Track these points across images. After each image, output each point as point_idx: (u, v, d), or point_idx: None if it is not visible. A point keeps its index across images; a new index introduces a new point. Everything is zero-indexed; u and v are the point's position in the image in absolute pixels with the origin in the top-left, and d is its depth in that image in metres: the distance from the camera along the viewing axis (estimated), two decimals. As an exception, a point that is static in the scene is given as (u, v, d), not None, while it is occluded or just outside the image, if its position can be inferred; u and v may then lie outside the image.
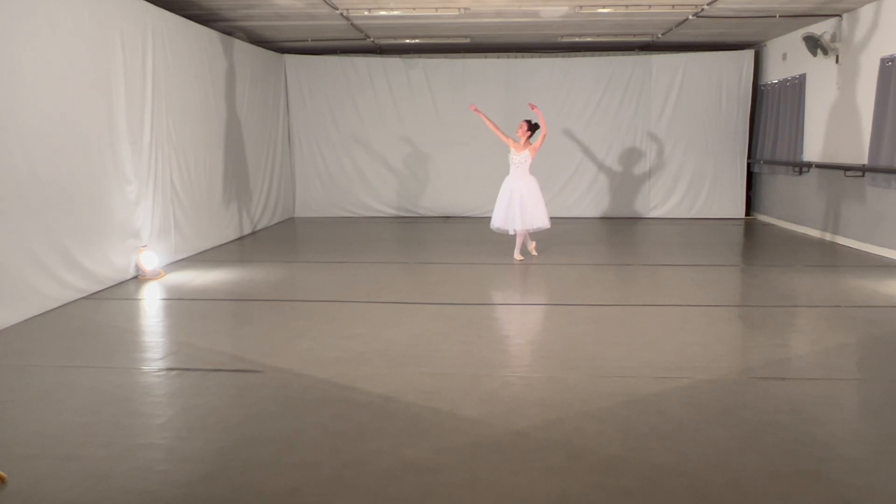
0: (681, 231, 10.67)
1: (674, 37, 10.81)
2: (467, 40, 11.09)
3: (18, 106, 5.50)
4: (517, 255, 8.09)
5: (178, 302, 6.29)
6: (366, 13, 8.92)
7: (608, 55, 12.04)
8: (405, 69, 12.11)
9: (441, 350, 4.75)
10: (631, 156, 12.08)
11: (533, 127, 7.96)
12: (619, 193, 12.17)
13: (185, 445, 3.35)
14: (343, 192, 12.44)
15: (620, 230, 10.84)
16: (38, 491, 2.94)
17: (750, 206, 12.18)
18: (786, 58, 10.81)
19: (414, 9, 8.70)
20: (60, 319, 5.61)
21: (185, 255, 8.33)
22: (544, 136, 7.95)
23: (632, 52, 12.07)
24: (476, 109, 8.33)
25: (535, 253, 8.32)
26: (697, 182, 12.01)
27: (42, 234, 5.76)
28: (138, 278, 7.14)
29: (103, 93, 6.66)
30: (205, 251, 8.81)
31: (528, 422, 3.55)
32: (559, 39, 11.08)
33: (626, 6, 8.60)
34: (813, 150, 9.92)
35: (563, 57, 12.01)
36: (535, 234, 8.51)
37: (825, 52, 9.19)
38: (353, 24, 9.74)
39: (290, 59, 12.12)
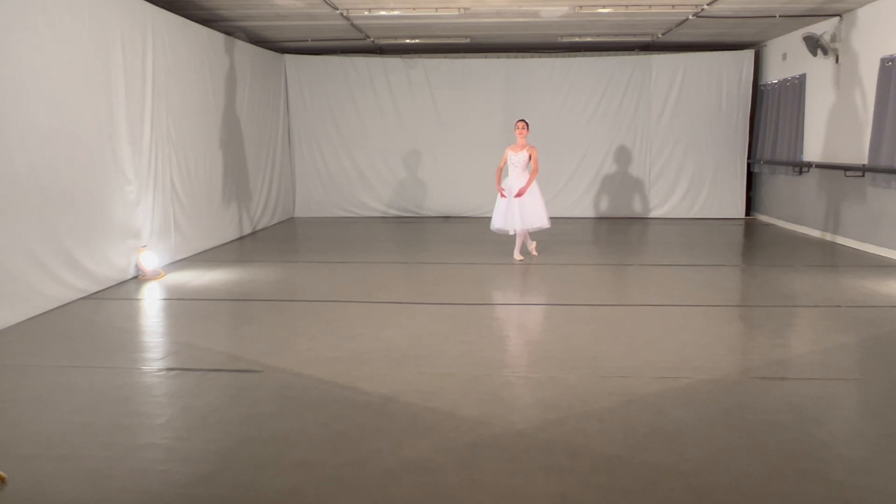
0: (681, 231, 10.67)
1: (674, 37, 10.81)
2: (467, 40, 11.09)
3: (18, 106, 5.50)
4: (517, 255, 8.09)
5: (178, 302, 6.29)
6: (366, 13, 8.92)
7: (608, 55, 12.05)
8: (405, 69, 12.11)
9: (441, 350, 4.75)
10: (631, 156, 12.08)
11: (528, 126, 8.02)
12: (619, 193, 12.17)
13: (185, 445, 3.35)
14: (343, 192, 12.44)
15: (620, 230, 10.84)
16: (38, 491, 2.94)
17: (750, 206, 12.18)
18: (786, 58, 10.81)
19: (414, 9, 8.70)
20: (60, 319, 5.61)
21: (185, 255, 8.33)
22: (535, 170, 7.90)
23: (632, 52, 12.08)
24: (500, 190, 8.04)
25: (535, 253, 8.32)
26: (697, 182, 12.01)
27: (42, 234, 5.76)
28: (138, 278, 7.13)
29: (103, 93, 6.66)
30: (205, 251, 8.81)
31: (528, 422, 3.55)
32: (559, 39, 11.08)
33: (626, 6, 8.60)
34: (813, 150, 9.92)
35: (563, 57, 12.01)
36: (536, 234, 8.51)
37: (825, 52, 9.19)
38: (353, 24, 9.74)
39: (290, 59, 12.12)
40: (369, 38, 10.86)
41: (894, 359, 4.61)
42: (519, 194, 7.81)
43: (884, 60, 8.02)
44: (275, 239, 10.18)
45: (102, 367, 4.46)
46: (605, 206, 12.20)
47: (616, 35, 10.79)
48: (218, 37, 9.36)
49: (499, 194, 8.04)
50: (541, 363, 4.56)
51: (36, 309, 5.66)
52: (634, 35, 10.77)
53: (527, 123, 8.00)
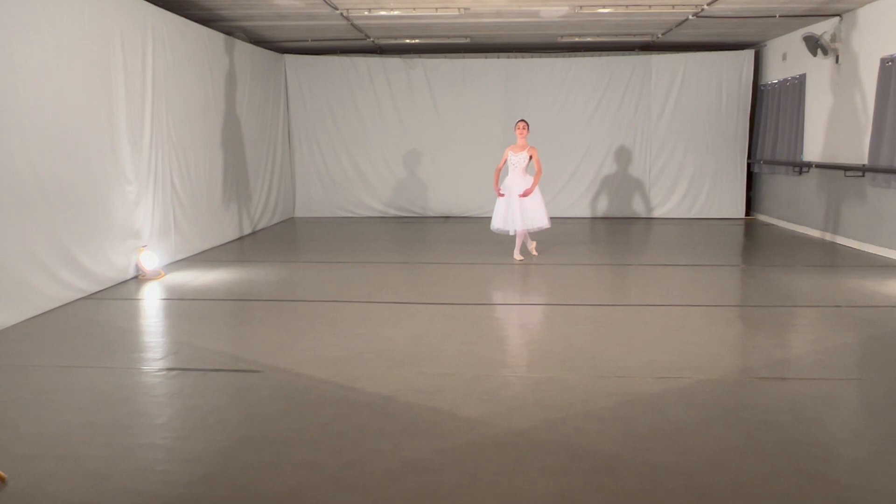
0: (681, 231, 10.67)
1: (674, 37, 10.81)
2: (467, 40, 11.09)
3: (18, 106, 5.50)
4: (517, 255, 8.09)
5: (178, 302, 6.29)
6: (366, 13, 8.93)
7: (608, 55, 12.05)
8: (405, 69, 12.11)
9: (441, 350, 4.75)
10: (631, 156, 12.08)
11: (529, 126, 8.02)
12: (619, 193, 12.17)
13: (185, 445, 3.35)
14: (343, 192, 12.44)
15: (620, 230, 10.84)
16: (38, 491, 2.94)
17: (750, 206, 12.18)
18: (786, 58, 10.81)
19: (414, 9, 8.71)
20: (60, 319, 5.61)
21: (185, 255, 8.33)
22: (538, 172, 7.92)
23: (632, 52, 12.08)
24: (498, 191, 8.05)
25: (535, 253, 8.32)
26: (697, 182, 12.01)
27: (42, 234, 5.76)
28: (138, 278, 7.14)
29: (103, 93, 6.66)
30: (205, 251, 8.81)
31: (528, 422, 3.55)
32: (559, 39, 11.08)
33: (626, 6, 8.60)
34: (813, 150, 9.92)
35: (563, 57, 12.01)
36: (536, 234, 8.51)
37: (825, 52, 9.20)
38: (353, 24, 9.74)
39: (290, 59, 12.12)
40: (369, 38, 10.87)
41: (894, 359, 4.61)
42: (525, 194, 7.81)
43: (884, 60, 8.02)
44: (275, 239, 10.18)
45: (102, 367, 4.46)
46: (604, 207, 12.20)
47: (616, 35, 10.79)
48: (218, 37, 9.36)
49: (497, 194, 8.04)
50: (541, 363, 4.56)
51: (36, 309, 5.66)
52: (634, 35, 10.78)
53: (527, 123, 8.00)
